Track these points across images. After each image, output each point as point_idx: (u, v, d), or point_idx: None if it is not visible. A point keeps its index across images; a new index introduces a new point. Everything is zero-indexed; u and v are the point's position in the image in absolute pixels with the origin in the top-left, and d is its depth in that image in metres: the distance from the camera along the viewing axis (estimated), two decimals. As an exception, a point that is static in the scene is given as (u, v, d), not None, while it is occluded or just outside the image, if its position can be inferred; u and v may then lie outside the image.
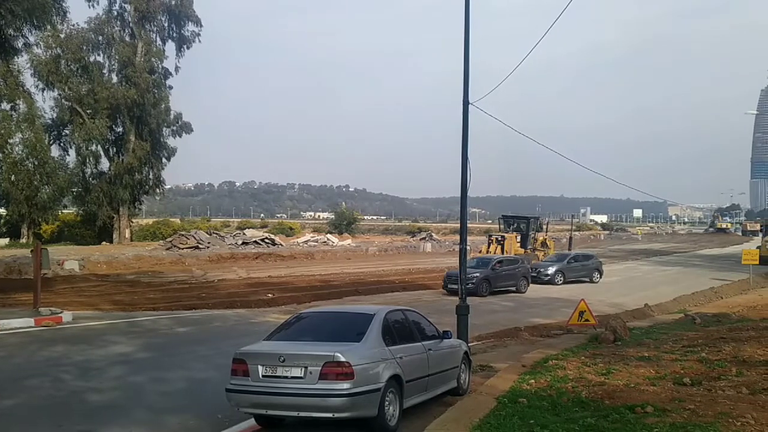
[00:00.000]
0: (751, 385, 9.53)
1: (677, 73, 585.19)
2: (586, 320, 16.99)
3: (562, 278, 31.32)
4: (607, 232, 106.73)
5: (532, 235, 40.50)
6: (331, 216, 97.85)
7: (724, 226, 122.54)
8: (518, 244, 38.36)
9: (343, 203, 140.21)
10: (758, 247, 43.81)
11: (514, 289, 28.22)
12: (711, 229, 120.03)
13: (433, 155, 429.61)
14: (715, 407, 8.20)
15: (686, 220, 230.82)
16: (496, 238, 38.38)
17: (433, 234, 71.18)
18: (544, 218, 54.45)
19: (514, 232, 39.62)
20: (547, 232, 46.43)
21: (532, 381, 10.51)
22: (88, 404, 9.89)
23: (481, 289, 26.11)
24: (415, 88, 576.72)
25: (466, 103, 13.86)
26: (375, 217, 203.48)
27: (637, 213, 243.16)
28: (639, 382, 10.12)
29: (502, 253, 35.71)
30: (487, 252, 36.42)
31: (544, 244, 41.80)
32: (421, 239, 63.38)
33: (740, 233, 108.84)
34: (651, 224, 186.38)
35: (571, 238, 45.38)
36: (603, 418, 7.88)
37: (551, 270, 31.51)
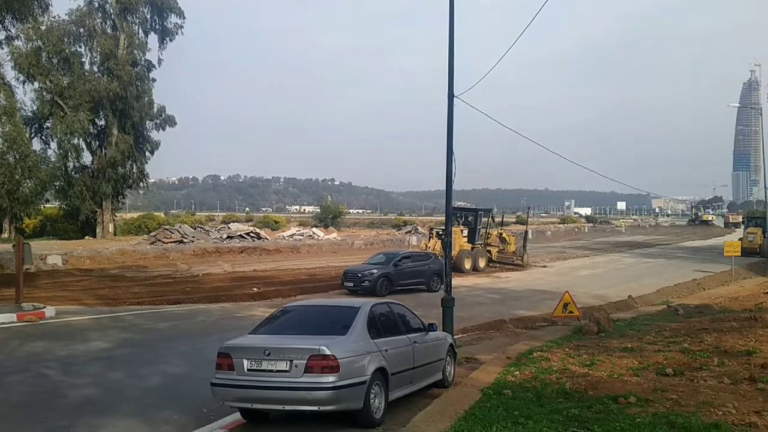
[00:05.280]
0: (732, 375, 9.66)
1: (660, 67, 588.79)
2: (570, 312, 17.10)
3: (387, 286, 23.93)
4: (591, 224, 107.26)
5: (482, 230, 36.02)
6: (317, 210, 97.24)
7: (709, 218, 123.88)
8: (465, 239, 34.06)
9: (329, 197, 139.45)
10: (740, 239, 44.35)
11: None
12: (696, 222, 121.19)
13: (419, 149, 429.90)
14: (697, 397, 8.31)
15: (669, 212, 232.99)
16: (437, 232, 34.09)
17: (418, 227, 71.13)
18: (499, 211, 47.23)
19: (462, 226, 35.05)
20: (502, 225, 41.03)
21: (517, 373, 10.57)
22: (70, 400, 9.81)
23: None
24: (403, 83, 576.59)
25: (450, 96, 13.86)
26: (361, 211, 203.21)
27: (621, 206, 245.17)
28: (622, 373, 10.23)
29: (443, 248, 33.09)
30: (426, 247, 33.24)
31: (502, 239, 37.36)
32: (406, 233, 63.36)
33: (722, 225, 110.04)
34: (635, 217, 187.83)
35: (526, 233, 39.05)
36: (586, 408, 7.95)
37: (373, 275, 23.89)
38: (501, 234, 37.97)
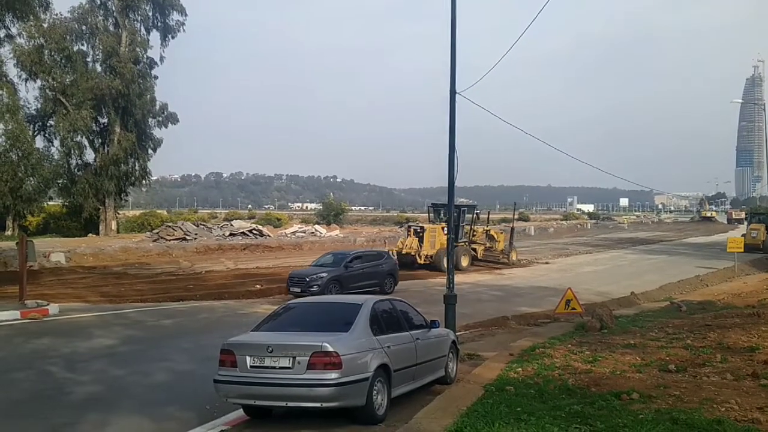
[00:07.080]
0: (735, 371, 9.65)
1: (663, 64, 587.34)
2: (573, 309, 17.08)
3: (338, 291, 21.27)
4: (594, 221, 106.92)
5: (466, 227, 34.20)
6: (319, 207, 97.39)
7: (709, 214, 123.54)
8: (446, 237, 31.63)
9: (331, 194, 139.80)
10: (743, 235, 44.22)
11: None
12: (697, 218, 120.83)
13: (421, 146, 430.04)
14: (700, 393, 8.31)
15: (672, 208, 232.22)
16: (415, 230, 32.50)
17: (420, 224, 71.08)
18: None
19: (443, 223, 31.78)
20: (489, 223, 39.59)
21: (519, 369, 10.57)
22: (74, 397, 9.84)
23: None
24: (404, 81, 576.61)
25: (453, 93, 13.84)
26: (363, 208, 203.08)
27: (624, 202, 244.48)
28: (625, 370, 10.22)
29: (420, 247, 31.13)
30: (403, 245, 31.76)
31: (489, 236, 35.64)
32: (408, 229, 63.29)
33: (725, 221, 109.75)
34: (637, 213, 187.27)
35: (512, 229, 37.50)
36: (589, 405, 7.95)
37: (323, 279, 21.61)
38: (488, 231, 36.57)
